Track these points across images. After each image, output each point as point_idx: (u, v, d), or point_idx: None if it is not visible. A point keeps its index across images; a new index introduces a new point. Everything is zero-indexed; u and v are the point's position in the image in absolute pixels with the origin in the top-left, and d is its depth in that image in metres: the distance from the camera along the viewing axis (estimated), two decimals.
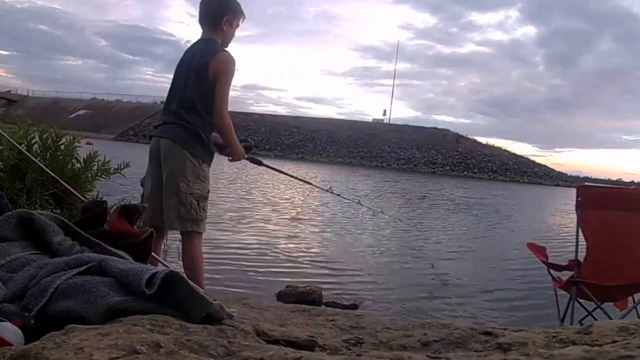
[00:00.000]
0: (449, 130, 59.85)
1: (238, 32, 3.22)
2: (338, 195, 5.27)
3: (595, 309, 3.32)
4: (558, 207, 20.80)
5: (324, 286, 4.72)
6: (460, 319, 3.98)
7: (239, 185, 16.11)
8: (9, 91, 75.21)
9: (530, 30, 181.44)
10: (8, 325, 1.14)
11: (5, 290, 1.35)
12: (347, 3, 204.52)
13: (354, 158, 52.81)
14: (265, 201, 12.43)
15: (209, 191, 3.00)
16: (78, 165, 4.70)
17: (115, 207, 2.20)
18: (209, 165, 3.02)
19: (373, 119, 67.16)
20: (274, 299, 4.26)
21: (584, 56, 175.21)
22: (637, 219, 3.35)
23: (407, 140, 55.73)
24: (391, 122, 64.65)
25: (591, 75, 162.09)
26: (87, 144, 6.84)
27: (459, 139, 56.90)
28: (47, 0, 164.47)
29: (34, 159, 4.27)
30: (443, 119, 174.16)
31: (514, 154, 57.33)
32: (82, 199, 4.00)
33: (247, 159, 3.30)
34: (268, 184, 17.96)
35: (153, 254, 2.68)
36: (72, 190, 4.04)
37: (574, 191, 3.52)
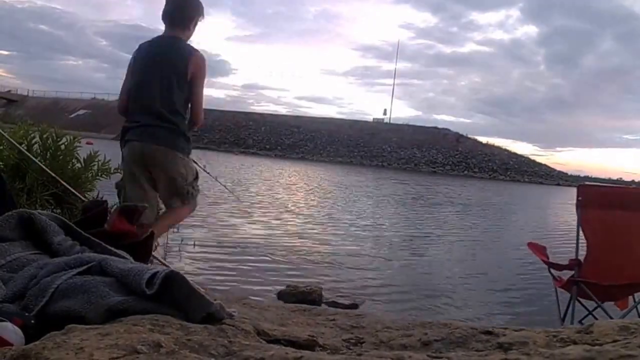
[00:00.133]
0: (449, 130, 59.89)
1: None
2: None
3: (595, 308, 3.32)
4: (558, 207, 20.80)
5: (324, 286, 4.72)
6: (460, 319, 3.99)
7: (239, 185, 16.12)
8: (9, 91, 75.25)
9: (531, 30, 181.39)
10: (8, 325, 1.14)
11: (6, 290, 1.35)
12: (347, 3, 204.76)
13: (354, 157, 52.83)
14: (265, 201, 12.43)
15: (196, 171, 3.25)
16: (78, 165, 4.71)
17: (115, 206, 2.20)
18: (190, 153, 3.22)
19: (373, 119, 67.20)
20: (275, 299, 4.26)
21: (585, 56, 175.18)
22: (638, 218, 3.35)
23: (408, 139, 55.75)
24: (392, 121, 64.73)
25: (592, 74, 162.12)
26: (88, 143, 6.85)
27: (459, 138, 56.92)
28: (47, 0, 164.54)
29: (34, 159, 4.27)
30: (444, 119, 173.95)
31: (515, 154, 57.40)
32: (83, 198, 4.00)
33: None
34: (267, 183, 17.97)
35: (154, 254, 2.71)
36: (73, 190, 4.04)
37: (574, 190, 3.52)
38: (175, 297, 1.26)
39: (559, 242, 8.75)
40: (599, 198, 3.47)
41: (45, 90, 77.00)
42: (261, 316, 1.46)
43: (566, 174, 56.24)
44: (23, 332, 1.15)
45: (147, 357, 0.95)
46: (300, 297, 4.23)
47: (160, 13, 3.16)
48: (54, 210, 4.17)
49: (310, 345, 1.22)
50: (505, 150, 57.89)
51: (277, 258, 6.03)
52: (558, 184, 48.68)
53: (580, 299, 3.35)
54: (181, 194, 3.13)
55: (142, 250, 1.91)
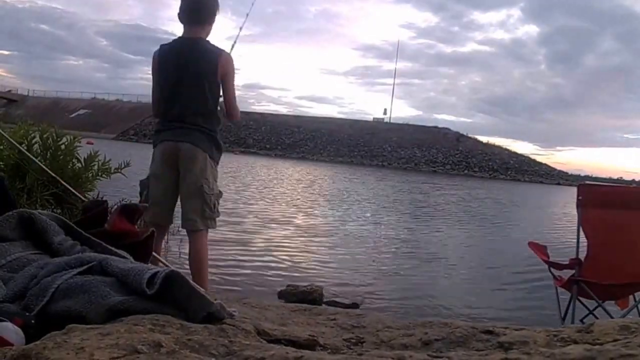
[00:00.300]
0: (449, 129, 59.88)
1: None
2: None
3: (596, 307, 3.32)
4: (559, 206, 20.80)
5: (324, 285, 4.72)
6: (461, 318, 3.99)
7: (236, 183, 16.13)
8: (9, 91, 75.26)
9: (532, 29, 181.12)
10: (9, 325, 1.14)
11: (6, 290, 1.35)
12: (348, 2, 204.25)
13: (354, 157, 52.83)
14: (265, 200, 12.43)
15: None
16: (79, 165, 4.71)
17: (115, 206, 2.20)
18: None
19: (374, 118, 67.19)
20: (275, 299, 4.26)
21: (586, 55, 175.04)
22: (638, 217, 3.35)
23: (408, 139, 55.74)
24: (392, 121, 64.70)
25: (592, 74, 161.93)
26: (88, 143, 6.85)
27: (459, 138, 56.91)
28: (48, 0, 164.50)
29: (34, 158, 4.27)
30: (444, 118, 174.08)
31: (515, 153, 57.37)
32: (83, 198, 4.00)
33: None
34: (266, 182, 17.98)
35: (154, 253, 2.70)
36: (73, 190, 4.04)
37: (574, 190, 3.52)
38: (175, 297, 1.26)
39: (559, 242, 8.75)
40: (600, 197, 3.46)
41: (46, 90, 77.08)
42: (262, 316, 1.46)
43: (566, 173, 56.21)
44: (23, 332, 1.15)
45: (147, 357, 0.95)
46: (301, 296, 4.24)
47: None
48: (54, 210, 4.17)
49: (310, 345, 1.22)
50: (506, 149, 57.91)
51: (277, 257, 6.03)
52: (558, 184, 48.66)
53: (581, 298, 3.35)
54: (205, 203, 3.01)
55: (143, 250, 1.91)
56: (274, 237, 7.34)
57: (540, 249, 3.86)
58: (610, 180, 59.04)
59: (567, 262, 3.46)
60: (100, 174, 4.80)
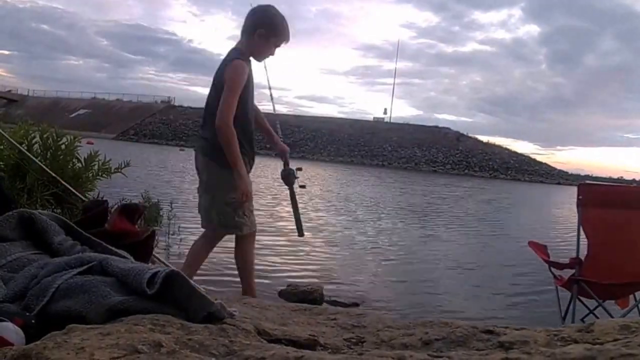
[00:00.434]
0: (449, 129, 59.87)
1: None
2: None
3: (596, 307, 3.32)
4: (559, 205, 20.80)
5: (325, 285, 4.72)
6: (461, 318, 3.99)
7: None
8: (10, 91, 75.25)
9: (533, 29, 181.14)
10: (9, 325, 1.14)
11: (7, 290, 1.36)
12: (348, 2, 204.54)
13: (354, 157, 52.81)
14: (265, 200, 12.43)
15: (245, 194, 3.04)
16: (79, 164, 4.71)
17: (116, 206, 2.20)
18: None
19: (374, 118, 67.17)
20: (275, 298, 4.26)
21: (586, 55, 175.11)
22: (638, 217, 3.35)
23: (408, 138, 55.73)
24: (393, 120, 64.67)
25: (593, 73, 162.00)
26: (88, 143, 6.85)
27: (459, 137, 56.89)
28: (49, 0, 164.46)
29: (34, 158, 4.27)
30: (445, 118, 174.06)
31: (515, 153, 57.36)
32: (83, 198, 4.01)
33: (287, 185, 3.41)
34: (267, 181, 17.97)
35: (154, 254, 2.71)
36: (73, 190, 4.04)
37: (575, 189, 3.52)
38: (176, 296, 1.26)
39: (559, 241, 8.75)
40: (600, 197, 3.46)
41: (46, 90, 77.04)
42: (262, 316, 1.46)
43: (567, 172, 56.19)
44: (24, 331, 1.15)
45: (148, 357, 0.95)
46: (301, 296, 4.23)
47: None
48: (55, 210, 4.17)
49: (311, 344, 1.22)
50: (506, 149, 57.89)
51: (277, 257, 6.03)
52: (559, 183, 48.64)
53: (581, 298, 3.35)
54: (220, 214, 3.12)
55: (143, 249, 1.92)
56: (274, 236, 7.34)
57: (540, 248, 3.86)
58: (610, 179, 59.07)
59: (567, 262, 3.46)
60: (100, 173, 4.80)
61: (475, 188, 28.38)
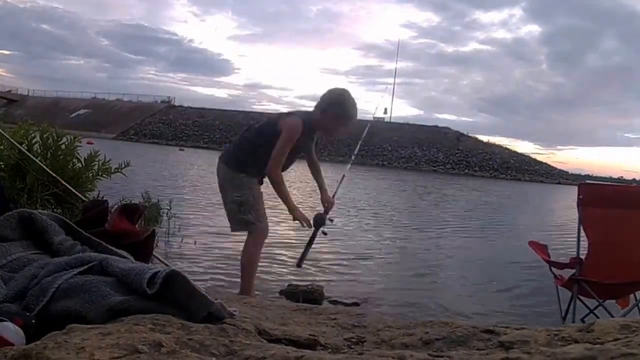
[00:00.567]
0: (449, 129, 59.84)
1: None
2: None
3: (597, 306, 3.32)
4: (559, 205, 20.79)
5: (325, 285, 4.71)
6: (461, 318, 3.98)
7: None
8: (10, 91, 75.24)
9: (534, 29, 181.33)
10: (9, 325, 1.14)
11: (7, 290, 1.35)
12: (349, 2, 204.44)
13: (354, 156, 52.79)
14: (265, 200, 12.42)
15: (252, 196, 3.48)
16: (79, 164, 4.71)
17: (116, 206, 2.20)
18: (250, 176, 3.49)
19: (374, 117, 67.04)
20: (276, 298, 4.26)
21: (587, 54, 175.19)
22: (639, 216, 3.35)
23: (408, 138, 55.69)
24: (393, 120, 64.59)
25: (594, 73, 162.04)
26: (88, 143, 6.85)
27: (459, 137, 56.86)
28: (49, 0, 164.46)
29: (34, 158, 4.27)
30: (445, 118, 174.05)
31: (515, 152, 57.36)
32: (83, 198, 4.01)
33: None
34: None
35: (154, 254, 2.72)
36: (73, 190, 4.04)
37: (575, 189, 3.51)
38: (176, 296, 1.26)
39: (559, 241, 8.74)
40: (600, 197, 3.46)
41: (46, 90, 76.98)
42: (262, 315, 1.46)
43: (567, 172, 56.20)
44: (24, 331, 1.15)
45: (148, 357, 0.95)
46: (302, 296, 4.23)
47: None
48: (55, 210, 4.17)
49: (311, 344, 1.22)
50: (506, 149, 57.88)
51: (278, 257, 6.03)
52: (559, 183, 48.62)
53: (582, 298, 3.35)
54: (230, 211, 3.48)
55: (143, 249, 1.91)
56: (274, 236, 7.34)
57: (540, 248, 3.86)
58: (610, 179, 59.13)
59: (567, 262, 3.46)
60: (100, 173, 4.80)
61: (476, 187, 28.39)
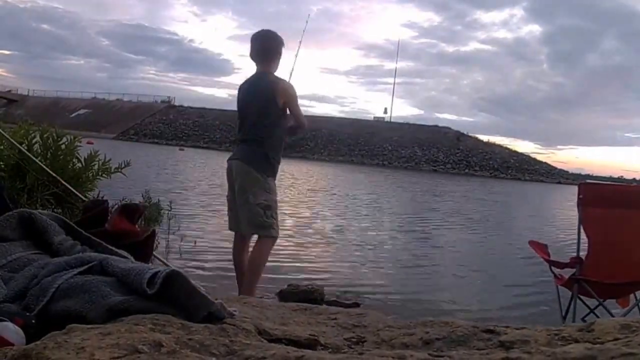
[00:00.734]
0: (449, 128, 59.88)
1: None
2: None
3: (597, 306, 3.31)
4: (559, 205, 20.79)
5: (325, 285, 4.71)
6: (462, 318, 3.99)
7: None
8: (10, 91, 75.23)
9: (534, 29, 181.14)
10: (9, 325, 1.14)
11: (7, 290, 1.35)
12: (350, 1, 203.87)
13: (355, 156, 52.82)
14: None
15: (275, 201, 3.49)
16: (79, 164, 4.71)
17: (116, 206, 2.20)
18: (274, 179, 3.53)
19: (374, 117, 67.18)
20: (276, 298, 4.26)
21: (588, 54, 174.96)
22: (639, 216, 3.35)
23: (409, 138, 55.71)
24: (394, 120, 64.67)
25: (594, 73, 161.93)
26: (88, 143, 6.85)
27: (459, 137, 56.87)
28: (49, 0, 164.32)
29: (34, 158, 4.27)
30: (446, 117, 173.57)
31: (515, 152, 57.42)
32: (83, 198, 4.01)
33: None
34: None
35: (154, 254, 2.72)
36: (73, 190, 4.04)
37: (575, 189, 3.51)
38: (176, 296, 1.26)
39: (560, 240, 8.75)
40: (600, 196, 3.46)
41: (46, 90, 76.91)
42: (262, 315, 1.46)
43: (567, 172, 56.20)
44: (24, 331, 1.15)
45: (148, 357, 0.95)
46: (302, 296, 4.23)
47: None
48: (55, 210, 4.17)
49: (311, 344, 1.22)
50: (506, 148, 57.92)
51: (278, 257, 6.02)
52: (559, 182, 48.63)
53: (582, 297, 3.35)
54: (252, 213, 3.40)
55: (143, 249, 1.91)
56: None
57: (540, 247, 3.86)
58: (610, 179, 59.08)
59: (567, 261, 3.46)
60: (100, 173, 4.79)
61: (476, 187, 28.37)
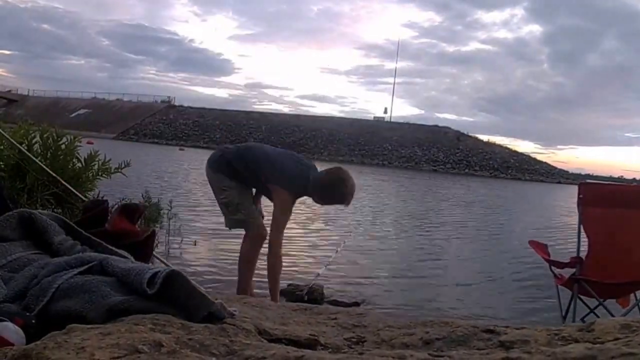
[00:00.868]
0: (449, 128, 59.86)
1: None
2: None
3: (597, 306, 3.31)
4: (559, 205, 20.79)
5: (325, 285, 4.71)
6: (462, 317, 3.98)
7: None
8: (10, 91, 75.21)
9: (535, 29, 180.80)
10: (9, 325, 1.14)
11: (7, 290, 1.35)
12: (350, 1, 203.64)
13: (355, 156, 52.79)
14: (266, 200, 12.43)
15: (237, 196, 3.47)
16: (79, 164, 4.70)
17: (116, 206, 2.20)
18: (228, 177, 3.48)
19: (374, 117, 67.19)
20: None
21: (588, 54, 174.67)
22: (639, 216, 3.35)
23: (409, 138, 55.70)
24: (394, 120, 64.67)
25: (594, 73, 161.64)
26: (88, 143, 6.84)
27: (459, 137, 56.86)
28: (50, 0, 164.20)
29: (34, 158, 4.27)
30: (446, 117, 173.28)
31: (516, 152, 57.39)
32: (83, 198, 4.00)
33: None
34: None
35: (154, 254, 2.72)
36: (73, 190, 4.04)
37: (575, 188, 3.51)
38: (176, 296, 1.26)
39: (560, 240, 8.74)
40: (601, 196, 3.46)
41: (46, 90, 76.84)
42: (262, 315, 1.46)
43: (567, 172, 56.16)
44: (24, 331, 1.15)
45: (148, 357, 0.95)
46: (302, 296, 4.23)
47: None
48: (55, 210, 4.17)
49: (311, 344, 1.22)
50: (506, 148, 57.89)
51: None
52: (559, 182, 48.62)
53: (582, 297, 3.35)
54: (222, 211, 3.53)
55: (143, 249, 1.91)
56: None
57: (541, 247, 3.86)
58: (611, 179, 59.08)
59: (567, 261, 3.46)
60: (100, 173, 4.79)
61: (476, 186, 28.37)
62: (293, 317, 1.51)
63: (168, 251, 5.49)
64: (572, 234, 6.94)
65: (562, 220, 14.00)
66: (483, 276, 6.16)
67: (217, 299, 1.30)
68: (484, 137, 59.92)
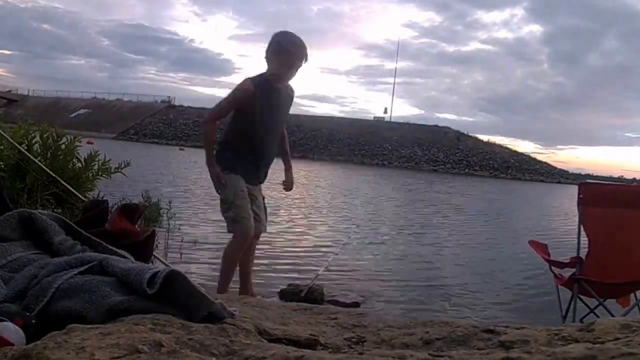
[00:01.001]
0: (449, 128, 59.88)
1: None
2: None
3: (597, 306, 3.31)
4: (559, 204, 20.79)
5: (325, 284, 4.71)
6: (462, 317, 3.98)
7: None
8: (10, 91, 75.20)
9: (535, 29, 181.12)
10: (9, 325, 1.14)
11: (7, 290, 1.35)
12: (350, 1, 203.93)
13: (355, 156, 52.80)
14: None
15: (234, 194, 3.38)
16: (79, 164, 4.71)
17: (116, 206, 2.20)
18: (235, 174, 3.43)
19: (374, 117, 67.21)
20: (276, 298, 4.26)
21: (588, 54, 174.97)
22: (639, 216, 3.35)
23: (409, 138, 55.70)
24: (394, 120, 64.68)
25: (595, 73, 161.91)
26: (88, 143, 6.85)
27: (459, 137, 56.87)
28: (50, 0, 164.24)
29: (34, 159, 4.27)
30: (446, 117, 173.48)
31: (516, 152, 57.41)
32: (83, 198, 4.01)
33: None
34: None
35: (154, 254, 2.72)
36: (73, 190, 4.04)
37: (575, 188, 3.52)
38: (176, 296, 1.26)
39: (560, 240, 8.74)
40: (601, 196, 3.46)
41: (46, 90, 76.88)
42: (262, 315, 1.46)
43: (567, 172, 56.18)
44: (24, 331, 1.15)
45: (148, 357, 0.95)
46: (302, 296, 4.23)
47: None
48: (55, 210, 4.17)
49: (311, 344, 1.22)
50: (506, 148, 57.91)
51: (278, 257, 6.03)
52: (559, 182, 48.63)
53: (582, 297, 3.35)
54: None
55: (143, 249, 1.91)
56: (275, 236, 7.34)
57: (541, 247, 3.86)
58: (611, 179, 59.08)
59: (568, 261, 3.46)
60: (100, 173, 4.79)
61: (476, 186, 28.36)
62: (293, 317, 1.51)
63: (168, 251, 5.49)
64: (572, 234, 6.95)
65: (562, 220, 14.00)
66: (483, 276, 6.17)
67: (217, 299, 1.30)
68: (484, 137, 60.02)
